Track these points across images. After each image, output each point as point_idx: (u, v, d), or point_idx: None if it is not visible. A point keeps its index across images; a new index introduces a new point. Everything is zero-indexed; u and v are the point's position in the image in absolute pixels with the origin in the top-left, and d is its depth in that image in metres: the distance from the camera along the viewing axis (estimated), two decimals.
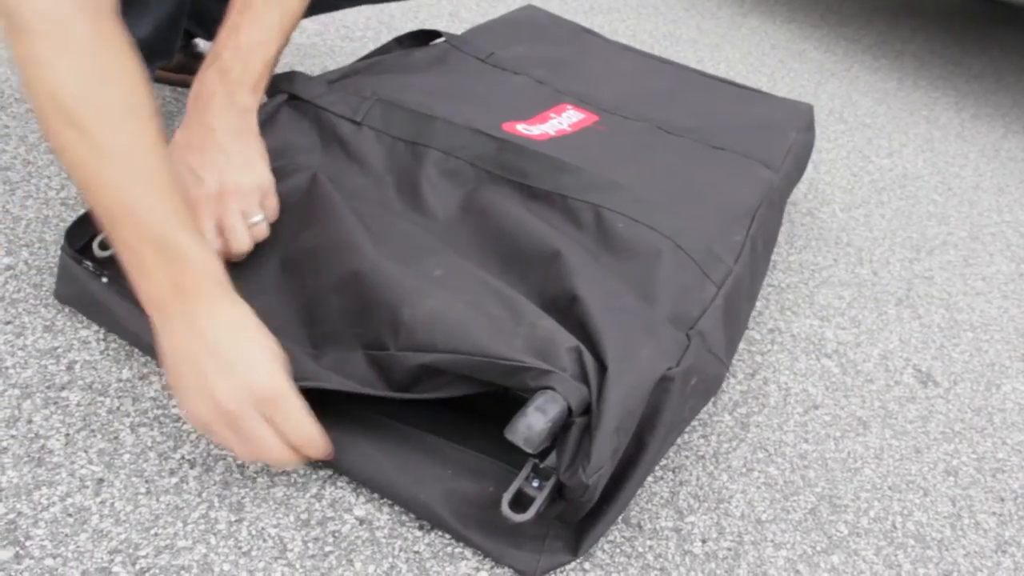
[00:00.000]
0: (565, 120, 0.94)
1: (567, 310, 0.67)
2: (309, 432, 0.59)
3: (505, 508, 0.59)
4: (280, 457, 0.59)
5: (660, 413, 0.63)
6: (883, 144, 1.53)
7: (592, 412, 0.59)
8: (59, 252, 0.72)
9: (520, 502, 0.60)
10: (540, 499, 0.59)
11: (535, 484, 0.60)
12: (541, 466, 0.61)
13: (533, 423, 0.57)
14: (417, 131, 0.84)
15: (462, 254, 0.73)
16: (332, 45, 1.40)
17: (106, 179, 0.58)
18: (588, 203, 0.78)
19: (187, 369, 0.58)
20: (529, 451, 0.58)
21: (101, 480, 0.62)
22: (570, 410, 0.58)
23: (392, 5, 1.60)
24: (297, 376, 0.61)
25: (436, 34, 1.08)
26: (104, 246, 0.73)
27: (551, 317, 0.65)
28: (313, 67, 1.31)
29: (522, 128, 0.88)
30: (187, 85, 1.13)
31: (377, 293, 0.66)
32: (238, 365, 0.58)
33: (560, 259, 0.71)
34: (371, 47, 1.42)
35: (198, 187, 0.69)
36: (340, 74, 0.91)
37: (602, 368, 0.61)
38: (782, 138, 1.03)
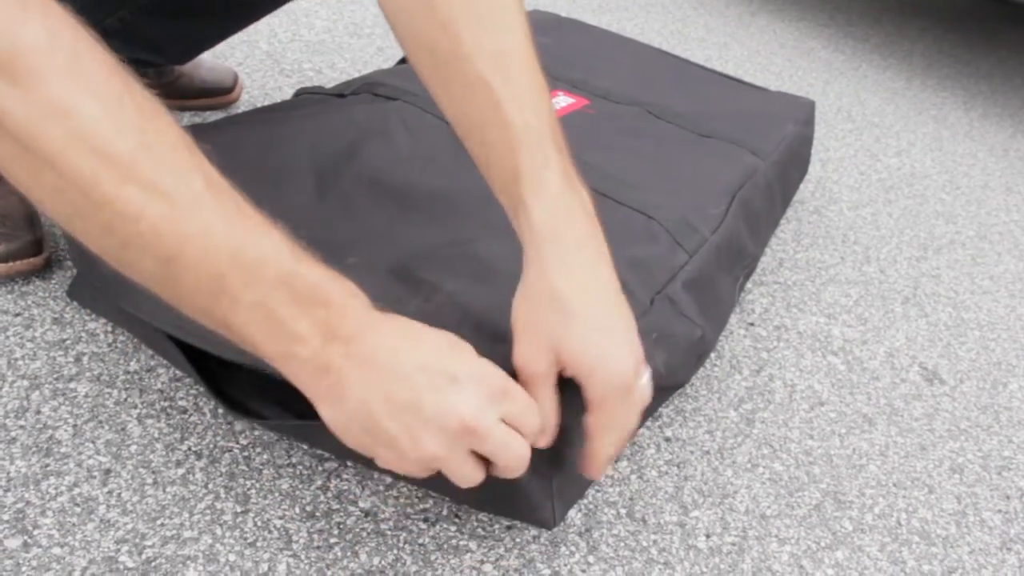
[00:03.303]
0: (554, 105, 0.94)
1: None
2: (545, 411, 0.51)
3: None
4: (524, 457, 0.50)
5: None
6: (891, 143, 1.52)
7: None
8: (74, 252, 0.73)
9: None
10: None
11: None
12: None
13: None
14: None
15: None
16: (340, 42, 1.41)
17: (198, 236, 0.43)
18: None
19: (392, 414, 0.46)
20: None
21: (108, 471, 0.63)
22: None
23: None
24: None
25: None
26: None
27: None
28: (321, 63, 1.31)
29: None
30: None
31: None
32: (457, 371, 0.47)
33: None
34: (379, 43, 1.43)
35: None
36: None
37: None
38: (775, 129, 1.02)
